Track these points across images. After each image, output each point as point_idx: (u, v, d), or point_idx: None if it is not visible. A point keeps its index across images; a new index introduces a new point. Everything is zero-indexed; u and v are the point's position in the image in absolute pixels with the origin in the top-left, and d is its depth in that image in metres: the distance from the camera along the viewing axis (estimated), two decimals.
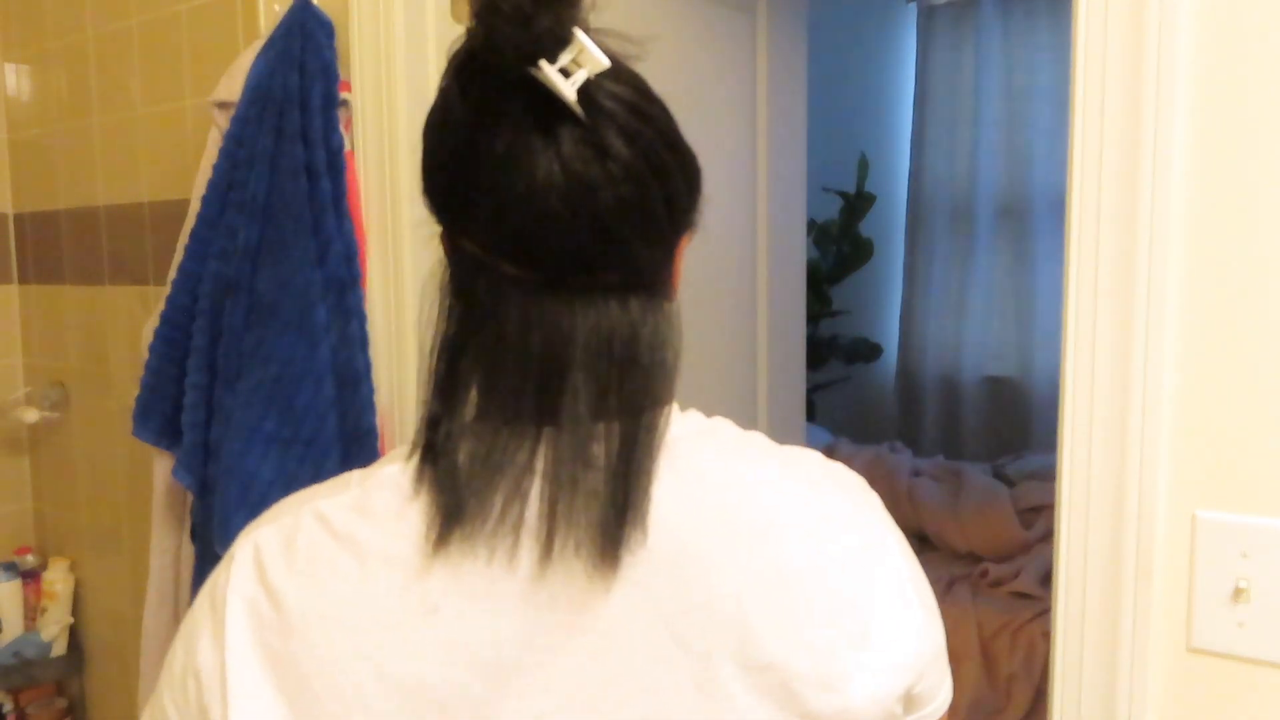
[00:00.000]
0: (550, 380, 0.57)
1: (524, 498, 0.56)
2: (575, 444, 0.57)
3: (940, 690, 0.66)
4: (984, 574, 2.67)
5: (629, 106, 0.57)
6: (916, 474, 3.07)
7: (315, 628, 0.56)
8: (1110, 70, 0.92)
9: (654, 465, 0.58)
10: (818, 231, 3.80)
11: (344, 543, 0.58)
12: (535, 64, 0.53)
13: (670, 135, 0.59)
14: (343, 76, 1.38)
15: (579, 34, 0.54)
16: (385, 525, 0.58)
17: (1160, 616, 0.95)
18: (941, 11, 3.65)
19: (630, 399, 0.58)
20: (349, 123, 1.41)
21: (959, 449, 3.64)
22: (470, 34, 0.56)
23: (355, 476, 0.62)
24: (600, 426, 0.57)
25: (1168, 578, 0.94)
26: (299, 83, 1.34)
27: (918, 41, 3.72)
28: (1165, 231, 0.91)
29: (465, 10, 1.56)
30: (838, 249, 3.85)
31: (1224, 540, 0.91)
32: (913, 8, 3.75)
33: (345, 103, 1.40)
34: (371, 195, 1.41)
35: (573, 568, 0.56)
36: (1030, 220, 3.51)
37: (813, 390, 3.68)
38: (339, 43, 1.38)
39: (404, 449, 0.61)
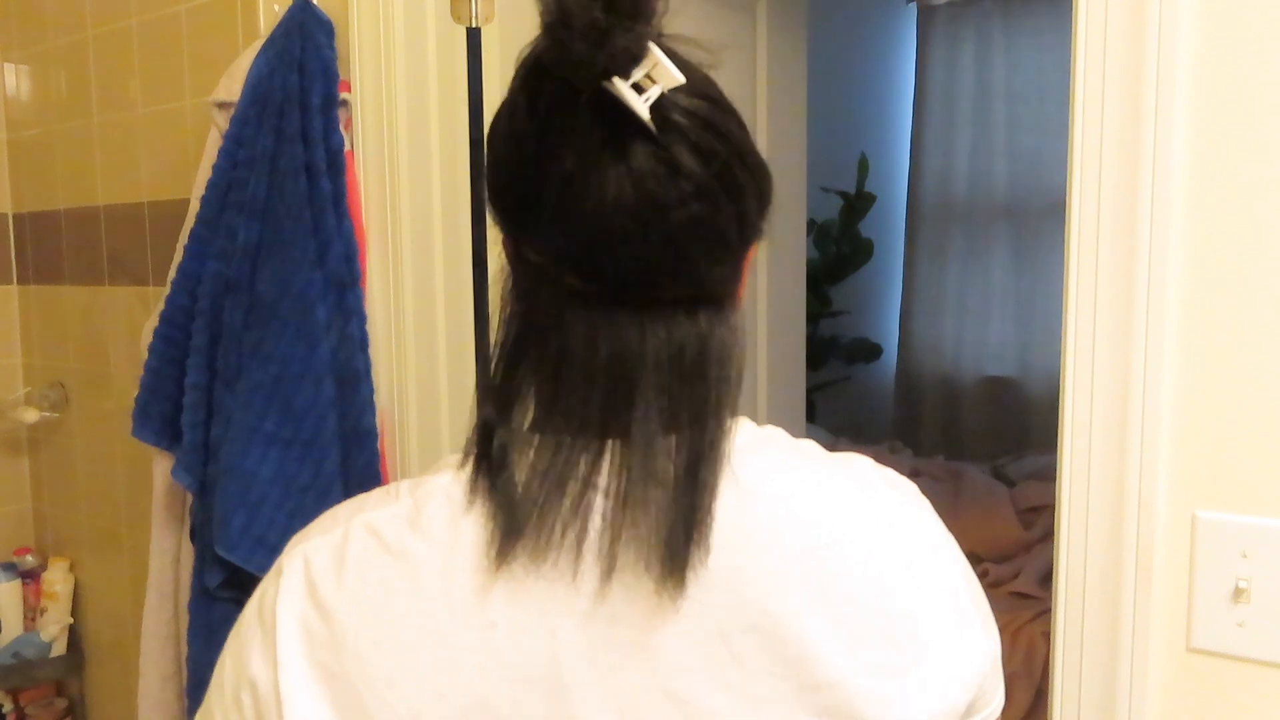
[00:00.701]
0: (618, 394, 0.56)
1: (586, 513, 0.55)
2: (643, 459, 0.55)
3: (995, 695, 0.65)
4: (984, 574, 2.67)
5: (702, 122, 0.55)
6: (916, 474, 3.07)
7: (369, 645, 0.55)
8: (1110, 70, 0.92)
9: (719, 481, 0.57)
10: (818, 231, 3.80)
11: (397, 557, 0.56)
12: (608, 80, 0.52)
13: (744, 150, 0.57)
14: (343, 76, 1.38)
15: (654, 49, 0.52)
16: (439, 538, 0.56)
17: (1160, 616, 0.95)
18: (941, 11, 3.64)
19: (698, 413, 0.57)
20: (349, 123, 1.41)
21: (959, 449, 3.64)
22: (538, 44, 0.54)
23: (405, 486, 0.60)
24: (667, 441, 0.56)
25: (1168, 578, 0.94)
26: (299, 83, 1.34)
27: (918, 41, 3.72)
28: (1165, 231, 0.91)
29: (466, 10, 1.56)
30: (838, 249, 3.85)
31: (1224, 540, 0.91)
32: (913, 8, 3.75)
33: (345, 103, 1.40)
34: (371, 195, 1.41)
35: (635, 586, 0.55)
36: (1030, 220, 3.51)
37: (813, 390, 3.67)
38: (339, 43, 1.38)
39: (455, 457, 0.60)
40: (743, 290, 0.62)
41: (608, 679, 0.55)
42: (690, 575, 0.55)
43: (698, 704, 0.55)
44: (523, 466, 0.56)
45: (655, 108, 0.53)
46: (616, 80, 0.52)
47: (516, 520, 0.55)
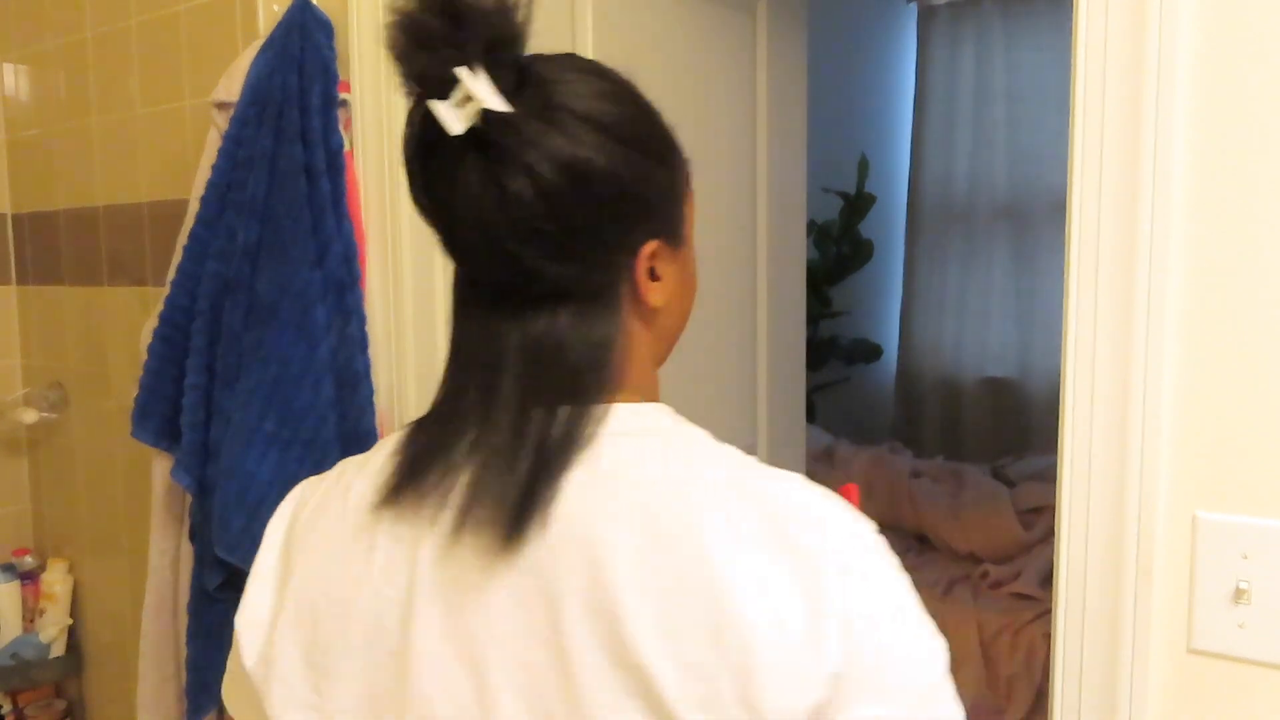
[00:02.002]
0: (489, 382, 0.65)
1: (456, 475, 0.64)
2: (503, 437, 0.63)
3: None
4: (984, 575, 2.67)
5: (528, 142, 0.60)
6: (916, 475, 3.07)
7: (300, 552, 0.70)
8: (1111, 70, 0.91)
9: (566, 460, 0.62)
10: (818, 232, 3.80)
11: (342, 488, 0.70)
12: (432, 100, 0.59)
13: (581, 166, 0.62)
14: (342, 77, 1.38)
15: (461, 74, 0.58)
16: (370, 477, 0.68)
17: (1160, 618, 0.94)
18: (941, 11, 3.64)
19: (554, 400, 0.64)
20: (348, 123, 1.41)
21: (959, 450, 3.64)
22: None
23: (388, 439, 0.72)
24: (528, 421, 0.63)
25: (1168, 579, 0.94)
26: (298, 83, 1.34)
27: (918, 41, 3.72)
28: (1165, 231, 0.91)
29: None
30: (838, 249, 3.85)
31: (1224, 541, 0.91)
32: (913, 8, 3.75)
33: (345, 103, 1.40)
34: (371, 195, 1.41)
35: (481, 543, 0.62)
36: (1030, 220, 3.51)
37: (813, 391, 3.67)
38: (338, 43, 1.38)
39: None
40: (641, 284, 0.67)
41: (449, 617, 0.62)
42: (525, 543, 0.61)
43: (520, 658, 0.60)
44: (426, 434, 0.67)
45: (484, 128, 0.59)
46: (433, 101, 0.59)
47: (405, 471, 0.66)
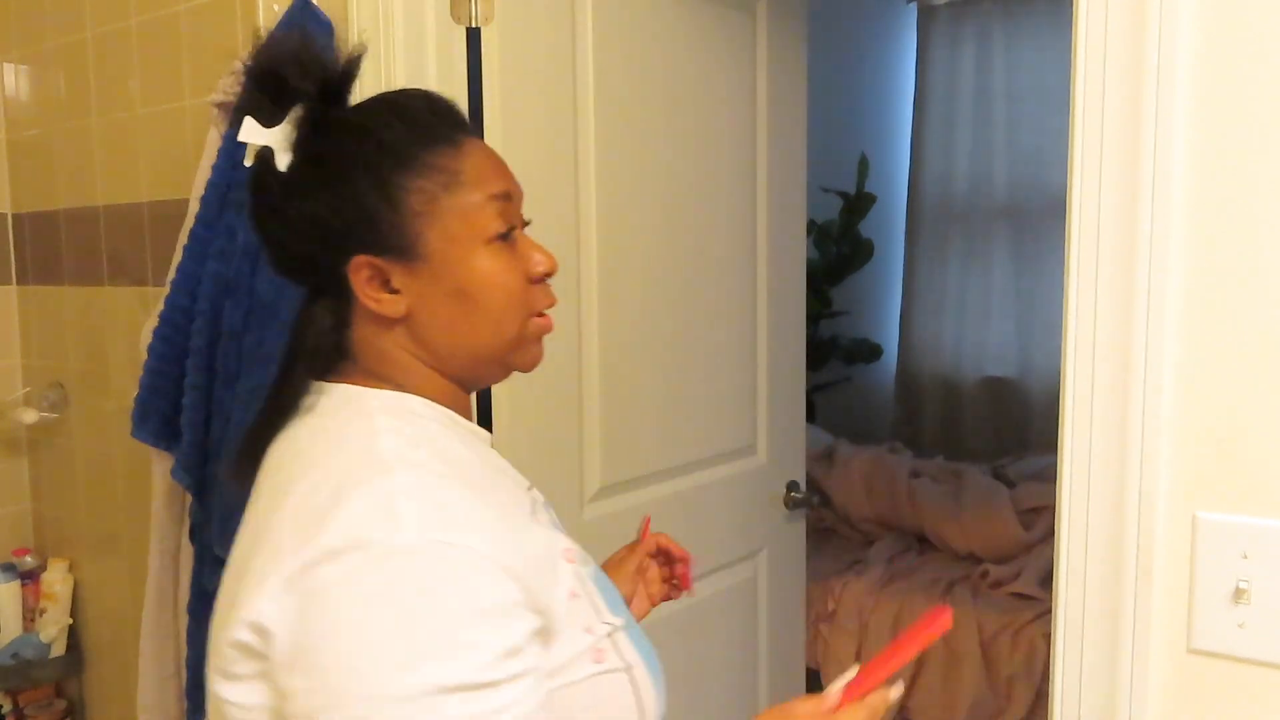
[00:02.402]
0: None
1: None
2: (272, 392, 0.83)
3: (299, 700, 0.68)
4: (984, 575, 2.67)
5: (260, 186, 0.81)
6: (916, 475, 3.07)
7: None
8: (1111, 69, 0.91)
9: (280, 417, 0.81)
10: (818, 231, 3.79)
11: None
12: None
13: (287, 213, 0.80)
14: None
15: (246, 120, 0.77)
16: None
17: (1160, 617, 0.95)
18: (941, 12, 3.64)
19: (304, 371, 0.82)
20: None
21: (959, 450, 3.64)
22: None
23: None
24: (280, 383, 0.82)
25: (1168, 579, 0.94)
26: None
27: (918, 41, 3.72)
28: (1165, 231, 0.91)
29: (466, 10, 1.55)
30: (838, 249, 3.85)
31: (1224, 541, 0.91)
32: (913, 8, 3.75)
33: None
34: None
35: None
36: (1030, 220, 3.51)
37: (812, 390, 3.67)
38: (338, 43, 1.38)
39: None
40: (361, 292, 0.80)
41: (249, 522, 0.80)
42: (242, 475, 0.82)
43: (249, 556, 0.76)
44: None
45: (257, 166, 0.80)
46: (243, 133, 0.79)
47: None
